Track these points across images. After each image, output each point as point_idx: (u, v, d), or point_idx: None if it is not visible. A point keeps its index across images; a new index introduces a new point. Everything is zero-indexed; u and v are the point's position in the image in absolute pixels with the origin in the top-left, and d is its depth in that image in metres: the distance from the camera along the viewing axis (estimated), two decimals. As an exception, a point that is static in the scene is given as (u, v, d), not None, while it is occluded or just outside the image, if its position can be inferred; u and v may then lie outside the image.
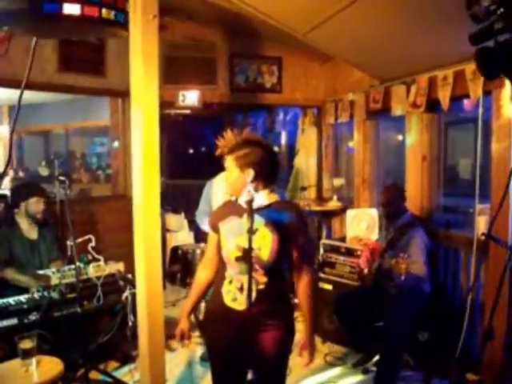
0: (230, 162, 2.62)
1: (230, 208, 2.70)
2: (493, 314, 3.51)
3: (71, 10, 1.51)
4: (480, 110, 3.91)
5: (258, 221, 2.49)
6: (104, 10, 1.58)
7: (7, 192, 5.05)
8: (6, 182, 8.67)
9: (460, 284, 4.51)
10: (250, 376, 2.45)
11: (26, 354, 2.92)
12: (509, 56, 1.26)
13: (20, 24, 1.57)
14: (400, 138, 7.39)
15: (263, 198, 2.60)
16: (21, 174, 10.11)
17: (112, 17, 1.60)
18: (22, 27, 1.64)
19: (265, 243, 2.53)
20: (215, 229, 2.71)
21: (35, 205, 4.38)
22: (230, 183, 2.67)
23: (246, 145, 2.60)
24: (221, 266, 2.67)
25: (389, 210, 4.48)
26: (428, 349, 4.16)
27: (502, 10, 1.23)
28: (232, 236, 2.57)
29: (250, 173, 2.56)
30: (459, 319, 4.00)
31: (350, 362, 4.61)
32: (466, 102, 4.67)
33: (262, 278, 2.55)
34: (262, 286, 2.55)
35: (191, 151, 13.98)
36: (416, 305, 4.07)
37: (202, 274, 2.85)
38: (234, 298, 2.57)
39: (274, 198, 2.65)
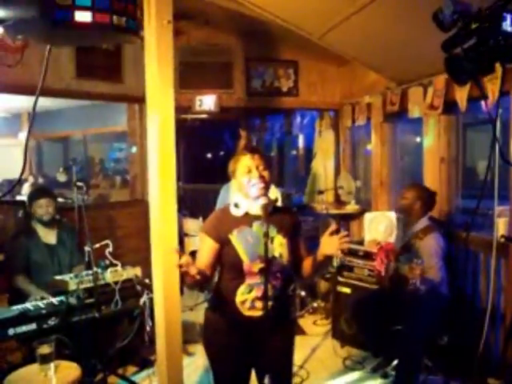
0: (257, 160, 2.61)
1: (232, 218, 2.64)
2: (513, 318, 3.48)
3: (82, 17, 1.52)
4: (498, 111, 3.86)
5: (271, 229, 2.52)
6: (115, 17, 1.58)
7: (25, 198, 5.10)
8: (26, 187, 8.75)
9: (480, 286, 4.45)
10: (266, 381, 2.46)
11: (45, 360, 2.93)
12: (473, 61, 1.29)
13: (32, 32, 1.58)
14: (418, 140, 7.33)
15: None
16: (40, 179, 10.20)
17: (123, 24, 1.61)
18: (34, 35, 1.65)
19: (283, 249, 2.61)
20: (222, 239, 2.60)
21: (40, 207, 4.42)
22: (264, 182, 2.60)
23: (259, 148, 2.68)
24: (231, 276, 2.60)
25: (407, 212, 4.42)
26: (448, 352, 4.12)
27: (463, 18, 1.26)
28: (249, 247, 2.55)
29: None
30: (480, 322, 3.96)
31: (369, 366, 4.58)
32: (484, 102, 4.62)
33: (278, 284, 2.62)
34: (278, 292, 2.61)
35: (209, 156, 14.00)
36: (434, 308, 4.03)
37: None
38: (252, 305, 2.56)
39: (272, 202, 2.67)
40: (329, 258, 2.61)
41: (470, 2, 1.29)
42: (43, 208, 4.42)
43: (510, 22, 1.20)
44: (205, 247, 2.63)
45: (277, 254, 2.56)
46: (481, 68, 1.32)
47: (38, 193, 4.61)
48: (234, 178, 2.68)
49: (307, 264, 2.70)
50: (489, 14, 1.21)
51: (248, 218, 2.61)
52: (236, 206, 2.63)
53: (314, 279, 6.14)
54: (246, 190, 2.59)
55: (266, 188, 2.59)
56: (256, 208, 2.56)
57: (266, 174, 2.59)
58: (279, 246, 2.58)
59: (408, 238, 4.37)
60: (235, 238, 2.58)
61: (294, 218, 2.77)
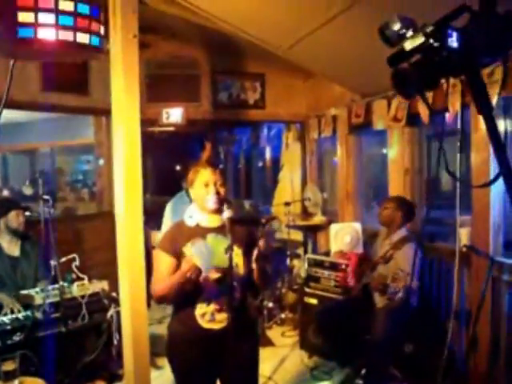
0: (217, 175, 2.66)
1: (186, 230, 2.68)
2: (476, 324, 3.55)
3: (46, 34, 1.53)
4: (459, 123, 3.94)
5: (227, 240, 2.51)
6: (79, 35, 1.60)
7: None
8: (-9, 201, 8.60)
9: (444, 295, 4.53)
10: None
11: (9, 376, 2.90)
12: (419, 76, 1.33)
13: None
14: (384, 151, 7.45)
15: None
16: (5, 192, 10.04)
17: (87, 41, 1.63)
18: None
19: (239, 259, 2.64)
20: (176, 253, 2.65)
21: (15, 218, 4.31)
22: (219, 198, 2.65)
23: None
24: (189, 289, 2.58)
25: (387, 222, 4.44)
26: (413, 361, 4.17)
27: (410, 33, 1.30)
28: (203, 259, 2.54)
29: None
30: (444, 330, 4.02)
31: (337, 377, 4.60)
32: (447, 115, 4.72)
33: (238, 294, 2.64)
34: (237, 303, 2.63)
35: (177, 168, 13.95)
36: (403, 318, 4.07)
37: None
38: (212, 318, 2.59)
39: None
40: (262, 257, 2.65)
41: (414, 17, 1.33)
42: (19, 219, 4.32)
43: (455, 39, 1.25)
44: (162, 264, 2.66)
45: (233, 264, 2.55)
46: (426, 83, 1.37)
47: (9, 204, 4.47)
48: (191, 188, 2.73)
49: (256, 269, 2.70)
50: (434, 30, 1.26)
51: (202, 230, 2.66)
52: (190, 216, 2.68)
53: (267, 286, 6.14)
54: (201, 202, 2.65)
55: (221, 204, 2.63)
56: (215, 220, 2.65)
57: (222, 190, 2.65)
58: (235, 256, 2.57)
59: (387, 247, 4.40)
60: (189, 250, 2.60)
61: (249, 228, 2.78)
